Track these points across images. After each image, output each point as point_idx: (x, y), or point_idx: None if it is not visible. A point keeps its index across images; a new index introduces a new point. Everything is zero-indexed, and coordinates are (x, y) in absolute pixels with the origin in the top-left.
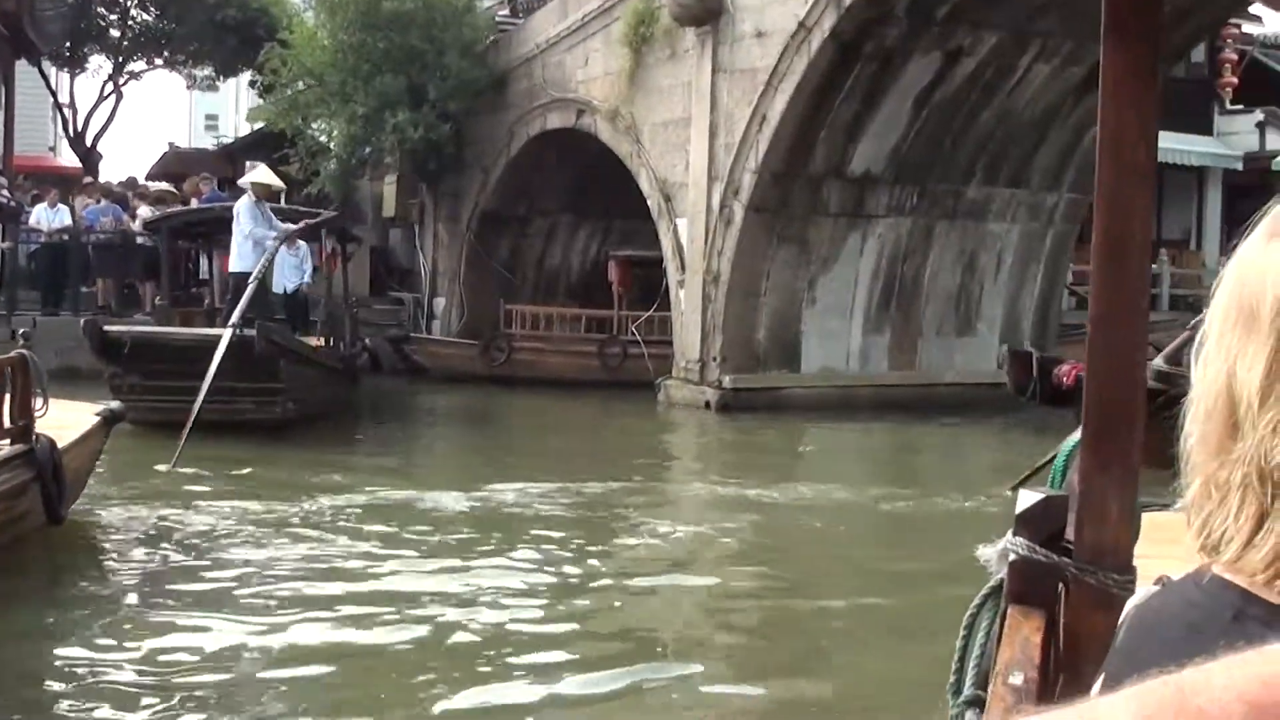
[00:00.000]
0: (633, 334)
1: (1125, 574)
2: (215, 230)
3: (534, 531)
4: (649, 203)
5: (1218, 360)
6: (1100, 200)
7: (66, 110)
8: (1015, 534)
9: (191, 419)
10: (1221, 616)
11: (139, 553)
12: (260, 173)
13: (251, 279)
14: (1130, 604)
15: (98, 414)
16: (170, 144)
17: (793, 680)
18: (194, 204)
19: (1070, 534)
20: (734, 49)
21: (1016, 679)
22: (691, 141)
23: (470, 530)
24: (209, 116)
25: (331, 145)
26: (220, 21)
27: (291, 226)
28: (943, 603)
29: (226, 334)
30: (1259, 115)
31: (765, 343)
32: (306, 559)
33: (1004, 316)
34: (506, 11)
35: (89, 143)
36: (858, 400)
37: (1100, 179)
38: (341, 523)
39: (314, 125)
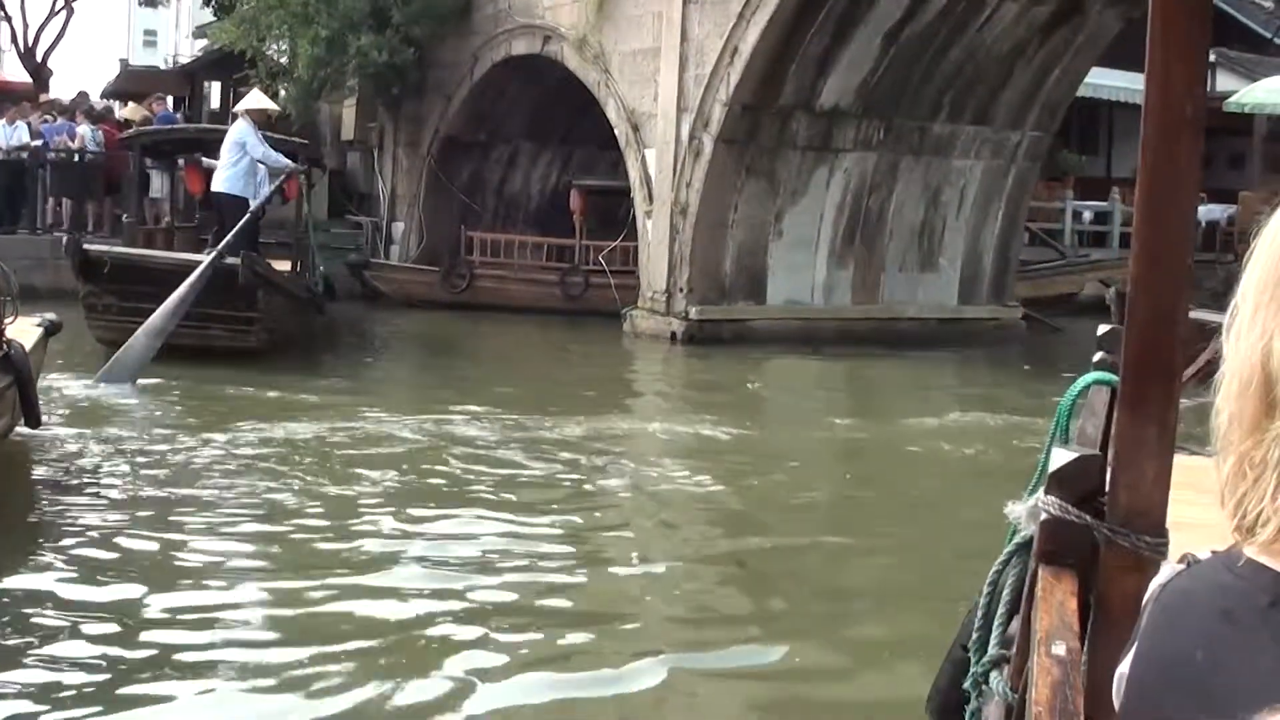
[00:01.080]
0: (598, 263)
1: (1158, 537)
2: (187, 149)
3: (501, 472)
4: (616, 132)
5: (1252, 335)
6: (1145, 156)
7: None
8: (1048, 492)
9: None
10: (1257, 602)
11: (91, 469)
12: (255, 98)
13: (251, 211)
14: (1155, 583)
15: (38, 324)
16: (122, 61)
17: (771, 645)
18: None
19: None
20: None
21: (1059, 649)
22: (661, 72)
23: (430, 469)
24: (148, 32)
25: (293, 68)
26: None
27: (289, 164)
28: (916, 543)
29: (207, 260)
30: (1210, 56)
31: (732, 274)
32: (256, 494)
33: (965, 252)
34: None
35: (39, 58)
36: (821, 333)
37: (1146, 135)
38: (301, 458)
39: (274, 46)
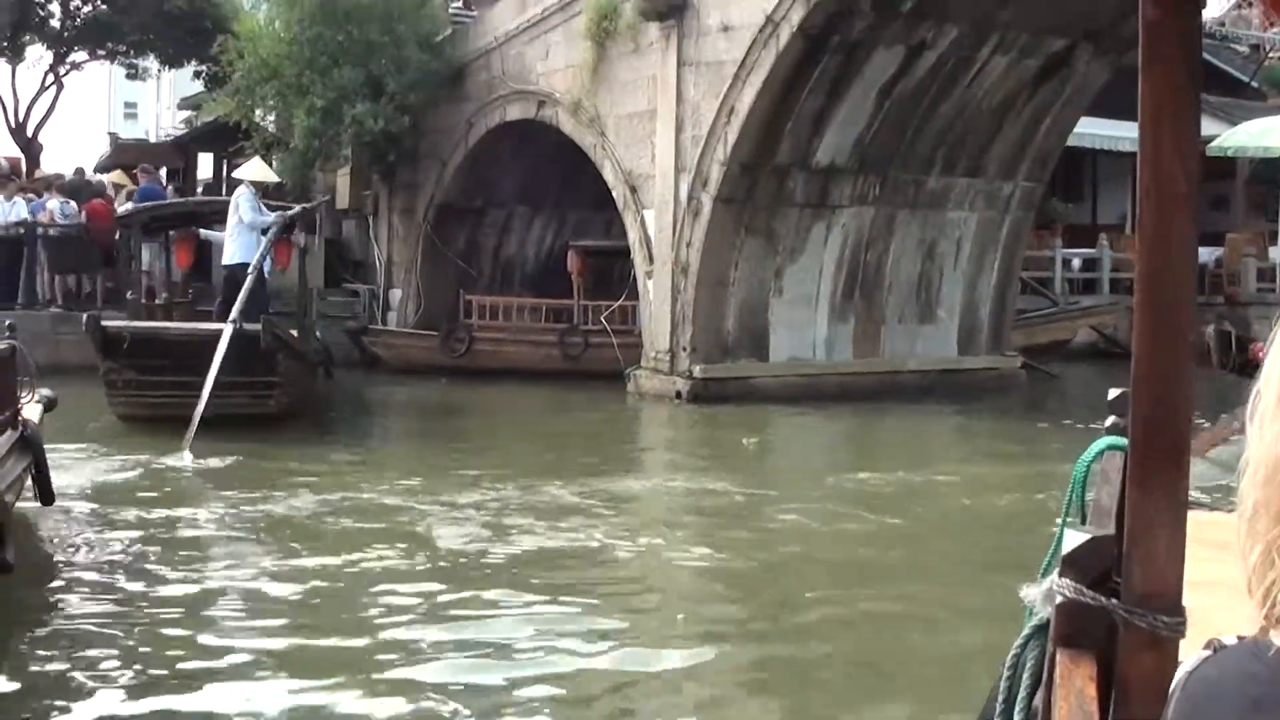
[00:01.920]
0: (597, 324)
1: (1175, 615)
2: (184, 223)
3: (517, 546)
4: (614, 194)
5: (1277, 423)
6: (1143, 236)
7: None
8: (1061, 574)
9: (199, 410)
10: None
11: (109, 542)
12: (255, 167)
13: (251, 269)
14: (1182, 671)
15: (36, 401)
16: (111, 135)
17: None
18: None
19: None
20: (699, 43)
21: None
22: (657, 134)
23: (443, 541)
24: (129, 104)
25: (288, 138)
26: (167, 13)
27: (282, 215)
28: (931, 605)
29: (228, 329)
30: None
31: (734, 332)
32: (263, 571)
33: (963, 303)
34: (459, 4)
35: (29, 133)
36: (825, 388)
37: (1142, 211)
38: (308, 531)
39: (269, 118)
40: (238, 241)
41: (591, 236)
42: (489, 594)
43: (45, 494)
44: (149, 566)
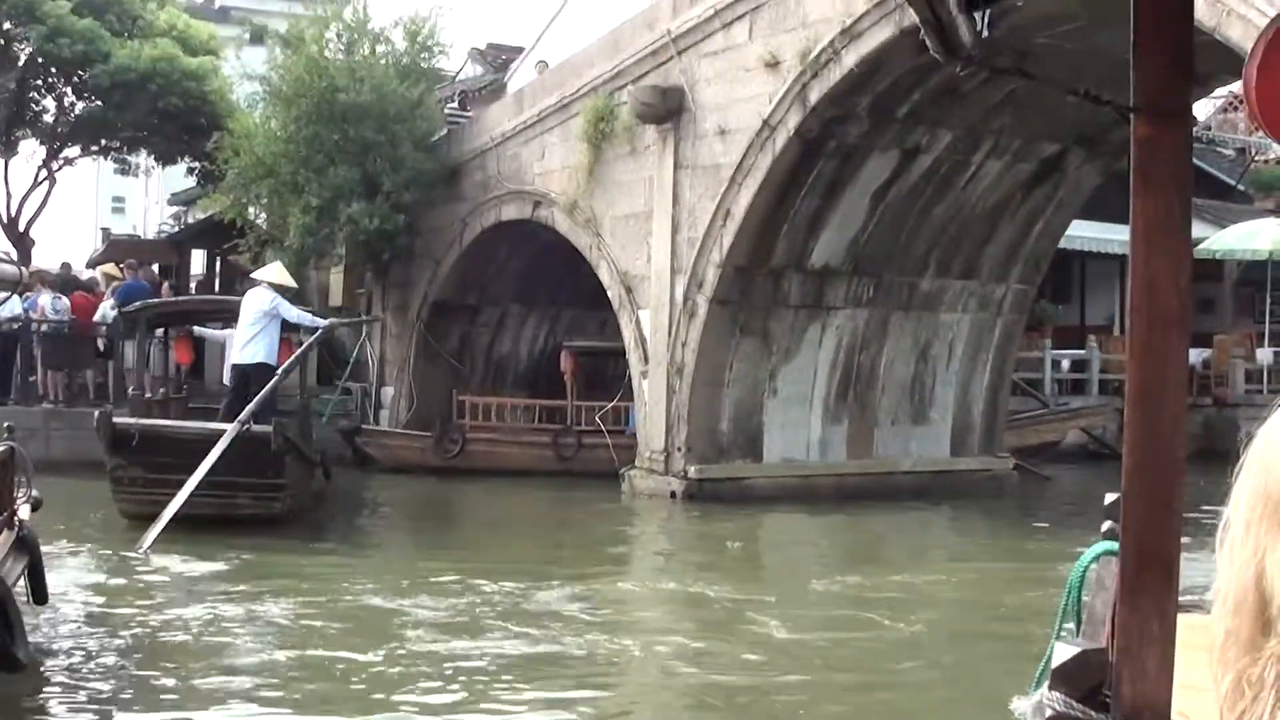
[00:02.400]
0: (591, 424)
1: None
2: (186, 320)
3: (505, 642)
4: (610, 294)
5: (1244, 552)
6: (1133, 349)
7: None
8: (1052, 688)
9: (176, 505)
10: None
11: (94, 648)
12: (276, 270)
13: (281, 370)
14: None
15: (23, 500)
16: (104, 230)
17: None
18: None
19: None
20: (696, 145)
21: None
22: (654, 235)
23: (438, 635)
24: (116, 199)
25: (282, 236)
26: (163, 110)
27: (323, 322)
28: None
29: (233, 429)
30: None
31: (729, 432)
32: (258, 679)
33: (956, 405)
34: (455, 105)
35: (21, 228)
36: (819, 489)
37: (1133, 328)
38: (302, 636)
39: (263, 215)
40: (257, 342)
41: (585, 335)
42: (466, 700)
43: (39, 593)
44: (136, 671)
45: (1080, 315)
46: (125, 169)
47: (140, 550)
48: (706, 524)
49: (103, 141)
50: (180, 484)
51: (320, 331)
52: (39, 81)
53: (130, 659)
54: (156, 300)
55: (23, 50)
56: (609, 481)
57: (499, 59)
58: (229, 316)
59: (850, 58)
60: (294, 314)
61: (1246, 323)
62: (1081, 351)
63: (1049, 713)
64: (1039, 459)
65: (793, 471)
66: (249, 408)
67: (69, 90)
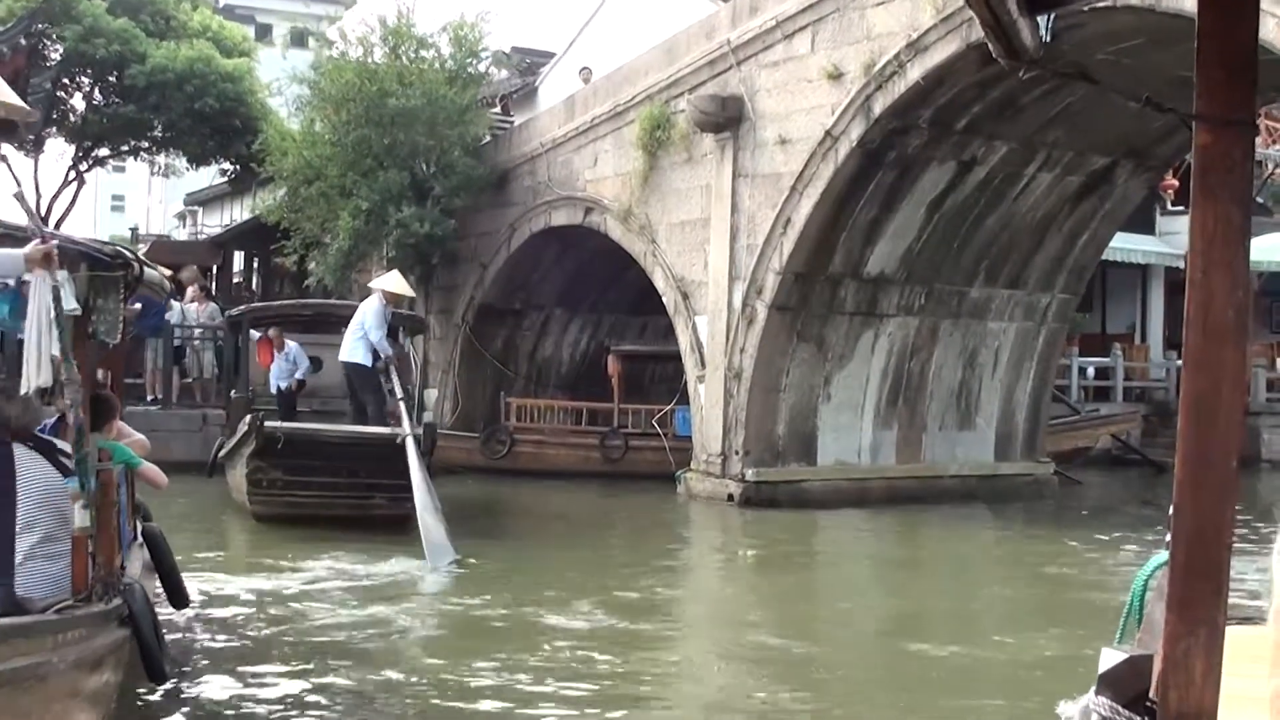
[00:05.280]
0: (643, 427)
1: None
2: (287, 325)
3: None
4: (664, 300)
5: None
6: (1188, 362)
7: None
8: (1098, 693)
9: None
10: None
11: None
12: (394, 279)
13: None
14: None
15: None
16: (132, 230)
17: None
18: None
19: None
20: (755, 154)
21: None
22: (711, 242)
23: (511, 643)
24: (115, 197)
25: (329, 239)
26: (198, 111)
27: (387, 355)
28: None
29: (408, 433)
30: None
31: (784, 437)
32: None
33: (1000, 411)
34: (498, 110)
35: (51, 228)
36: (870, 492)
37: (1188, 341)
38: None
39: (310, 219)
40: (356, 344)
41: (627, 339)
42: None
43: (179, 597)
44: (278, 675)
45: (1101, 324)
46: (157, 170)
47: (443, 565)
48: (772, 526)
49: (131, 142)
50: (317, 485)
51: (382, 361)
52: (67, 81)
53: (271, 663)
54: (261, 304)
55: (55, 50)
56: (657, 483)
57: (524, 62)
58: (333, 321)
59: (915, 71)
60: (375, 337)
61: (1266, 333)
62: (1106, 359)
63: (1094, 718)
64: (1072, 464)
65: (845, 475)
66: (413, 415)
67: (96, 90)
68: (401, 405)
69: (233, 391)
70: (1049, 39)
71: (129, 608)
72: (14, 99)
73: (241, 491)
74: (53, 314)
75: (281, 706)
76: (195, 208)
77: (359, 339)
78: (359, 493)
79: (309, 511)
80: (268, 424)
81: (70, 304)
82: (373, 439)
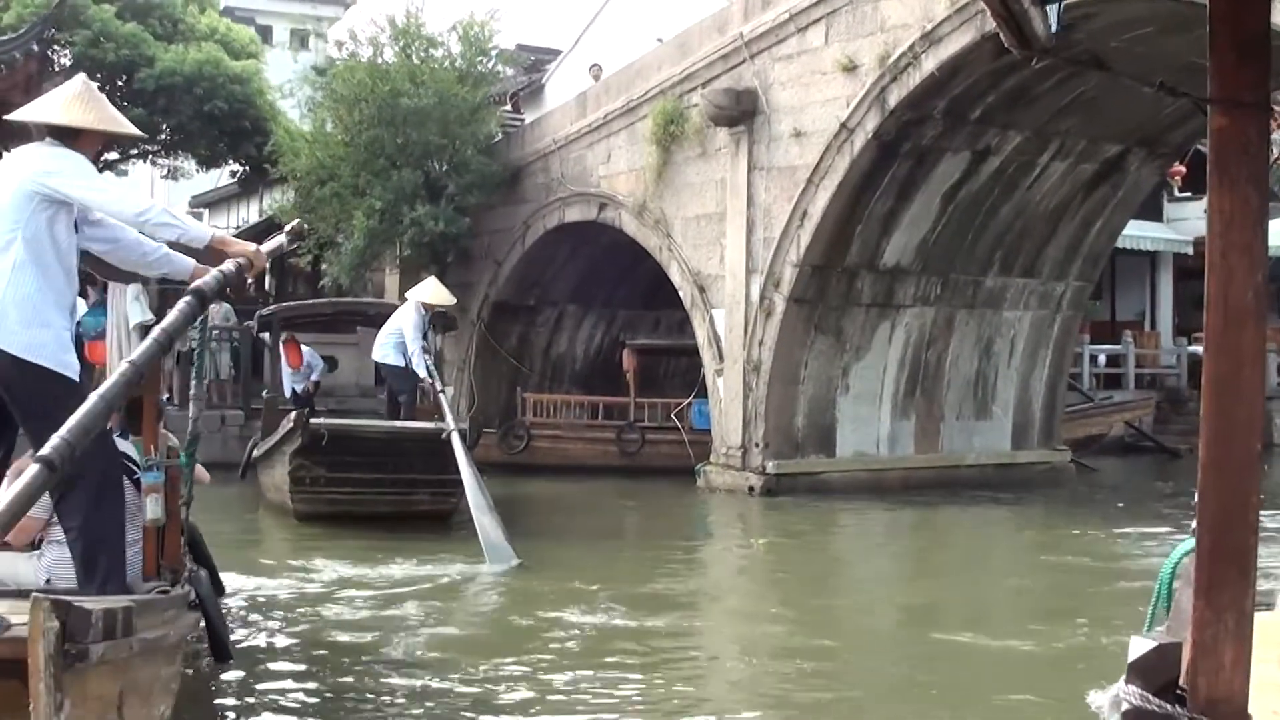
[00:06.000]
0: (659, 421)
1: None
2: (316, 325)
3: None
4: (681, 294)
5: None
6: (1209, 345)
7: None
8: (1128, 681)
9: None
10: None
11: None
12: (433, 288)
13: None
14: None
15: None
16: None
17: None
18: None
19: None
20: (770, 147)
21: None
22: (727, 236)
23: (532, 644)
24: None
25: (343, 239)
26: (208, 114)
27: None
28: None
29: (453, 428)
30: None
31: (803, 429)
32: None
33: (1016, 399)
34: (508, 108)
35: None
36: (889, 482)
37: (1209, 324)
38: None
39: (324, 219)
40: (387, 344)
41: (641, 334)
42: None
43: (218, 650)
44: (320, 664)
45: (1111, 311)
46: (167, 173)
47: (504, 566)
48: (794, 518)
49: (140, 145)
50: (359, 483)
51: (418, 374)
52: None
53: (309, 653)
54: (292, 303)
55: (65, 55)
56: (674, 477)
57: (527, 59)
58: (359, 320)
59: (930, 62)
60: (413, 348)
61: (1274, 318)
62: (1117, 346)
63: (1125, 706)
64: (1086, 451)
65: (864, 466)
66: (445, 413)
67: (106, 95)
68: (444, 399)
69: (264, 392)
70: (1059, 28)
71: (196, 593)
72: (128, 126)
73: (281, 490)
74: (131, 323)
75: (318, 700)
76: (202, 209)
77: (394, 343)
78: (401, 489)
79: (351, 509)
80: (313, 420)
81: (146, 315)
82: (418, 434)
